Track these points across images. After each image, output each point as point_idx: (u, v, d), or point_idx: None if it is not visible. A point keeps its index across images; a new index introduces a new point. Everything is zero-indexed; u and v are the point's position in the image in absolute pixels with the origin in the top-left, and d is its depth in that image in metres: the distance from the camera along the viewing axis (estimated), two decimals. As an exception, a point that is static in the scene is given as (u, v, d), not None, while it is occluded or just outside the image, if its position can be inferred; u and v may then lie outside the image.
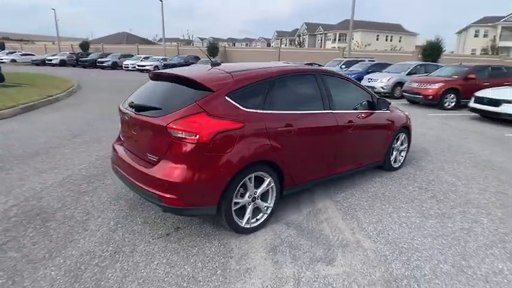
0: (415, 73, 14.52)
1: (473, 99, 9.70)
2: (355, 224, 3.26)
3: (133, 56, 31.17)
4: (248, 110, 2.87)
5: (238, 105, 2.82)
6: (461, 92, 11.35)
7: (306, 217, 3.36)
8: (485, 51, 38.53)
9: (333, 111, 3.61)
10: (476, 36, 49.34)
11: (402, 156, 4.95)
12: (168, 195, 2.61)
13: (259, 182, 3.00)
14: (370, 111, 4.13)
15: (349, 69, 18.11)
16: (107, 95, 12.31)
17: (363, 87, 4.30)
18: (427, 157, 5.59)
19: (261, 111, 2.96)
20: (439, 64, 15.59)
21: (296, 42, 60.63)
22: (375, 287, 2.38)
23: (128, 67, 28.27)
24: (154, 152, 2.77)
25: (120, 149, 3.29)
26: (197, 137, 2.54)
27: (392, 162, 4.75)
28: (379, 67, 16.76)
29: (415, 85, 12.08)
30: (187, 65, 28.92)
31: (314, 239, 2.96)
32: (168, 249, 2.74)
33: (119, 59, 30.28)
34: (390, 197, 3.93)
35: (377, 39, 60.74)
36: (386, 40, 61.84)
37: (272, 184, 3.08)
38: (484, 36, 48.25)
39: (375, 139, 4.33)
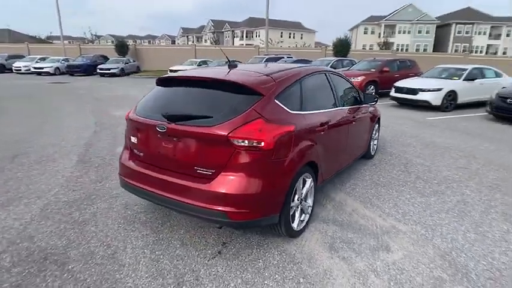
0: (335, 68, 15.95)
1: (393, 89, 11.19)
2: (379, 211, 3.52)
3: (24, 56, 26.60)
4: (292, 111, 2.83)
5: (285, 108, 2.76)
6: (378, 83, 12.98)
7: (334, 212, 3.48)
8: (380, 47, 44.49)
9: (342, 108, 3.81)
10: (365, 33, 56.46)
11: (375, 144, 5.48)
12: (236, 210, 2.43)
13: (303, 183, 3.00)
14: (363, 105, 4.46)
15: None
16: (23, 105, 10.34)
17: (351, 82, 4.61)
18: (386, 143, 6.29)
19: (301, 112, 2.95)
20: (352, 59, 17.45)
21: (211, 40, 60.08)
22: (436, 262, 2.64)
23: (19, 70, 24.04)
24: (208, 165, 2.52)
25: (141, 165, 2.88)
26: (262, 144, 2.41)
27: (371, 151, 5.22)
28: (303, 64, 17.87)
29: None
30: (95, 66, 26.46)
31: (358, 231, 3.10)
32: (232, 268, 2.54)
33: (6, 60, 25.52)
34: (386, 182, 4.34)
35: (281, 36, 64.46)
36: (289, 37, 65.99)
37: (312, 183, 3.11)
38: (371, 33, 55.54)
39: (364, 131, 4.70)
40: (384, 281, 2.42)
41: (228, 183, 2.43)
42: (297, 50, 30.80)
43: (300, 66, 3.46)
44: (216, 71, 3.10)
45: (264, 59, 20.44)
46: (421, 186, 4.19)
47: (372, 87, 12.93)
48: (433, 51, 49.40)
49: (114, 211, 3.41)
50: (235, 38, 68.95)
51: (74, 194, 3.79)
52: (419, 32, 52.89)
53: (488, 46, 51.26)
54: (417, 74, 14.26)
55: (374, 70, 13.21)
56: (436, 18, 52.98)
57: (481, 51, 49.97)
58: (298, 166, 2.74)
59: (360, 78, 12.67)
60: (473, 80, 10.53)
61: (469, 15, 51.59)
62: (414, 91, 10.39)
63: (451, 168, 4.90)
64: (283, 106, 2.74)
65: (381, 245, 2.88)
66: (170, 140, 2.65)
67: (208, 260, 2.63)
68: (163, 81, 3.11)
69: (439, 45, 51.98)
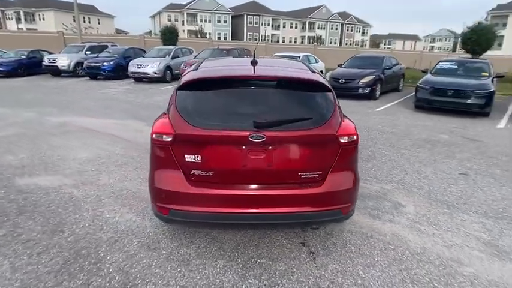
0: (177, 57, 15.74)
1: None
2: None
3: None
4: None
5: None
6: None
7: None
8: (196, 35, 45.67)
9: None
10: (169, 20, 56.61)
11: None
12: (347, 204, 2.54)
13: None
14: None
15: (101, 55, 16.48)
16: None
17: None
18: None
19: None
20: (189, 48, 17.60)
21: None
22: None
23: None
24: (315, 168, 2.45)
25: (212, 186, 2.41)
26: (355, 138, 2.56)
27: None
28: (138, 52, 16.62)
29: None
30: None
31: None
32: (335, 259, 2.64)
33: None
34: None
35: (74, 21, 55.72)
36: (84, 22, 57.93)
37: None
38: (175, 21, 56.26)
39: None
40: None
41: (339, 181, 2.50)
42: (113, 37, 27.68)
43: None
44: (264, 68, 2.85)
45: (86, 47, 17.51)
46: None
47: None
48: (232, 39, 55.59)
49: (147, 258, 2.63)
50: (8, 21, 54.20)
51: (65, 254, 2.58)
52: (218, 21, 58.11)
53: (272, 35, 62.47)
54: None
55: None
56: (230, 9, 59.43)
57: (267, 40, 60.38)
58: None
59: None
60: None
61: (256, 8, 60.86)
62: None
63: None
64: (334, 100, 2.93)
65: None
66: (263, 149, 2.36)
67: (307, 262, 2.60)
68: (203, 83, 2.59)
69: (236, 34, 59.03)
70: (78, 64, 16.07)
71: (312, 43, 59.71)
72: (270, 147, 2.37)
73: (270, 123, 2.34)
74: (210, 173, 2.42)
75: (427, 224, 3.22)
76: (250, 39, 58.38)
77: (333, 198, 2.49)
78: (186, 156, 2.40)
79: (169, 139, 2.41)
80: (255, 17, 60.51)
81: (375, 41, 79.79)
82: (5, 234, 2.89)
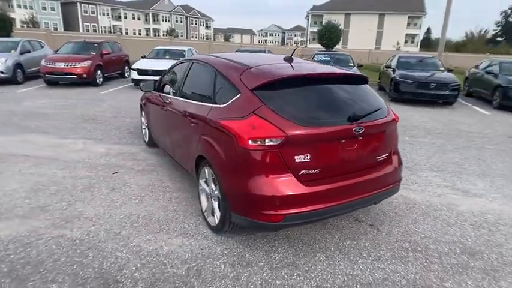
0: (27, 51, 12.63)
1: (136, 72, 11.25)
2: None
3: None
4: None
5: None
6: (103, 67, 12.24)
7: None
8: (27, 24, 36.29)
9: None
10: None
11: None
12: (400, 178, 3.03)
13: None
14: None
15: None
16: None
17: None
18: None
19: None
20: (39, 40, 14.29)
21: None
22: None
23: None
24: (385, 150, 2.83)
25: (319, 183, 2.45)
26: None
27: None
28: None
29: (62, 65, 11.13)
30: None
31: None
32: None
33: None
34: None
35: None
36: None
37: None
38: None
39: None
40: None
41: (397, 159, 2.99)
42: None
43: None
44: (317, 66, 3.01)
45: None
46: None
47: (99, 72, 12.01)
48: (64, 29, 47.70)
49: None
50: None
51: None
52: (44, 8, 48.44)
53: (114, 26, 56.66)
54: (127, 56, 14.69)
55: (94, 53, 12.15)
56: (58, -6, 50.42)
57: (109, 31, 54.50)
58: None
59: (86, 63, 11.32)
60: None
61: (91, -4, 53.67)
62: (161, 72, 11.14)
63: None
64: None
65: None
66: (355, 140, 2.56)
67: (377, 233, 2.99)
68: (281, 83, 2.54)
69: (69, 23, 50.73)
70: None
71: (157, 35, 57.86)
72: (360, 138, 2.58)
73: (362, 115, 2.55)
74: (317, 170, 2.44)
75: (416, 185, 4.10)
76: (88, 30, 51.45)
77: (396, 175, 2.93)
78: (295, 157, 2.34)
79: (278, 142, 2.28)
80: (90, 5, 53.39)
81: (225, 35, 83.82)
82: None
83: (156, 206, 3.39)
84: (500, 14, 59.29)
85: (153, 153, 4.97)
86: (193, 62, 3.59)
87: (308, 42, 57.76)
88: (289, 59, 3.05)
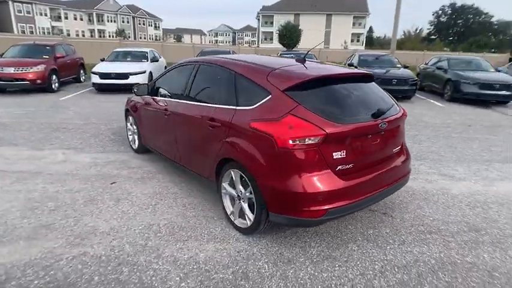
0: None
1: (97, 75, 10.62)
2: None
3: None
4: None
5: None
6: (58, 71, 11.38)
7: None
8: None
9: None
10: None
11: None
12: (410, 169, 3.28)
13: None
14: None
15: None
16: None
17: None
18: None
19: None
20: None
21: None
22: None
23: None
24: (399, 142, 3.05)
25: (352, 177, 2.57)
26: (402, 114, 3.32)
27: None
28: None
29: (11, 70, 10.13)
30: None
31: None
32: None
33: None
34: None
35: None
36: None
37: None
38: None
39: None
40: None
41: (407, 150, 3.23)
42: None
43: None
44: (330, 67, 3.12)
45: None
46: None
47: (54, 77, 11.14)
48: (-4, 31, 43.20)
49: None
50: None
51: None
52: (-33, 7, 43.41)
53: (54, 28, 52.46)
54: (82, 59, 13.77)
55: (48, 57, 11.23)
56: (-18, -8, 45.40)
57: (48, 33, 50.39)
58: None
59: (40, 67, 10.45)
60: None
61: (24, -5, 49.05)
62: (125, 75, 10.69)
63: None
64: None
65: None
66: (378, 135, 2.73)
67: (394, 221, 3.22)
68: (309, 83, 2.63)
69: (1, 24, 45.99)
70: None
71: (103, 36, 54.88)
72: (382, 132, 2.76)
73: (385, 111, 2.74)
74: (351, 165, 2.56)
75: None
76: (24, 31, 47.08)
77: (408, 166, 3.17)
78: (333, 153, 2.44)
79: (317, 140, 2.36)
80: (25, 4, 48.78)
81: (176, 35, 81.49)
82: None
83: (173, 213, 3.30)
84: (433, 14, 65.30)
85: (146, 160, 4.78)
86: (200, 65, 3.53)
87: (260, 42, 58.58)
88: (301, 61, 3.15)
